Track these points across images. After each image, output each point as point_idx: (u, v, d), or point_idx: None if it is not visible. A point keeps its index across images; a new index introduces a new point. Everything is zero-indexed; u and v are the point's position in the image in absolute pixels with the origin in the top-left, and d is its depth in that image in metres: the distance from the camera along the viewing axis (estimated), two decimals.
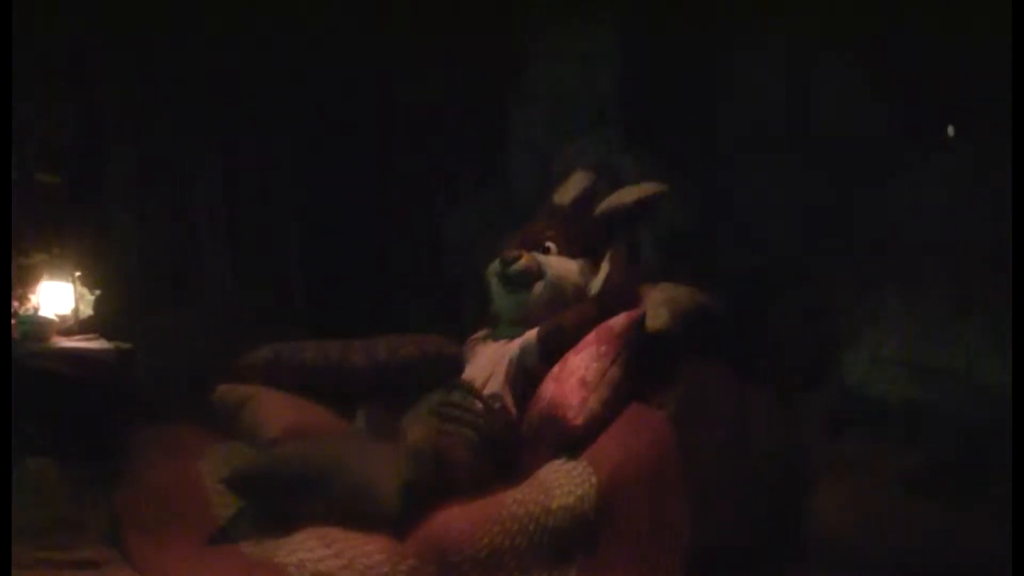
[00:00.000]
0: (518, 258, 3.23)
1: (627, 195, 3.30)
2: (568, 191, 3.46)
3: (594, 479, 2.50)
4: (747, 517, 2.61)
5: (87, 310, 4.19)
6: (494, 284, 3.34)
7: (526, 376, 3.01)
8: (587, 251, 3.29)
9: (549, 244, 3.29)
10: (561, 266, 3.24)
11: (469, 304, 4.03)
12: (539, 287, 3.21)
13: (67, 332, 4.03)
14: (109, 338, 3.99)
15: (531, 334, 3.08)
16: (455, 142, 4.61)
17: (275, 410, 3.30)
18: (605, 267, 3.16)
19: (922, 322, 2.89)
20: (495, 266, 3.31)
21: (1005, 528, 2.10)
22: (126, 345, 3.93)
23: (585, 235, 3.31)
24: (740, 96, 3.85)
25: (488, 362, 3.12)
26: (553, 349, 2.96)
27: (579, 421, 2.66)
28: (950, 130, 3.38)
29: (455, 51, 4.46)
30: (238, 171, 4.58)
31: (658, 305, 2.97)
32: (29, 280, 4.06)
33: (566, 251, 3.29)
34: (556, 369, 2.85)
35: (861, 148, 3.46)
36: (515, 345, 3.09)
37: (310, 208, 4.73)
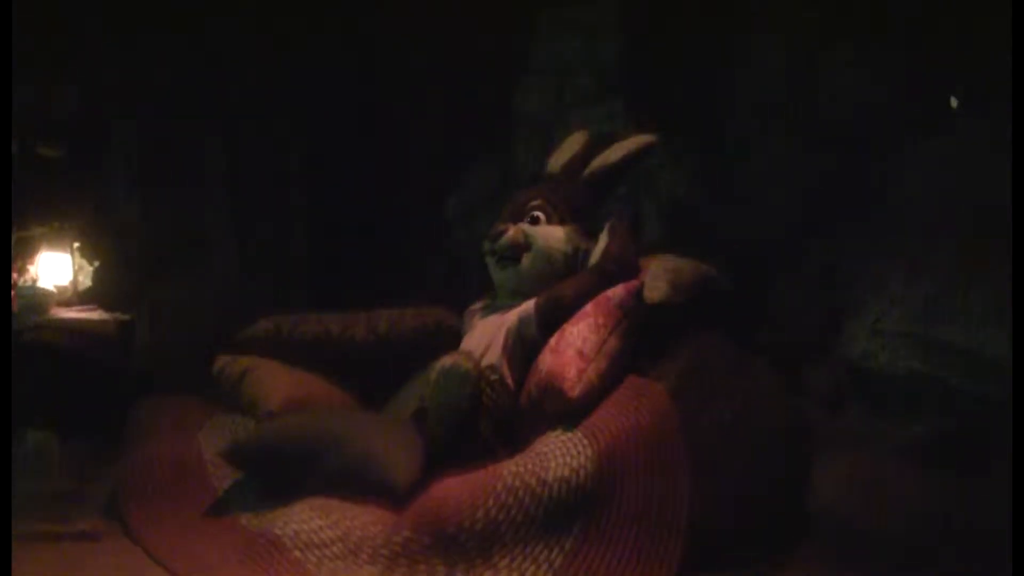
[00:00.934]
0: (504, 233, 3.20)
1: (614, 152, 3.27)
2: (561, 155, 3.44)
3: (590, 451, 2.49)
4: (747, 490, 2.59)
5: (86, 281, 4.19)
6: (487, 260, 3.31)
7: (524, 347, 2.99)
8: (575, 215, 3.25)
9: (537, 214, 3.26)
10: (548, 235, 3.20)
11: (472, 278, 4.01)
12: (527, 259, 3.18)
13: (66, 303, 4.03)
14: (108, 309, 3.99)
15: (529, 305, 3.05)
16: (458, 116, 4.58)
17: (275, 382, 3.30)
18: (604, 237, 3.12)
19: (925, 294, 2.87)
20: (486, 243, 3.29)
21: (1008, 500, 2.09)
22: (126, 316, 3.92)
23: (571, 199, 3.28)
24: (743, 68, 3.82)
25: (486, 333, 3.10)
26: (551, 320, 2.93)
27: (576, 393, 2.64)
28: (953, 101, 3.35)
29: (457, 25, 4.42)
30: (240, 143, 4.55)
31: (657, 276, 2.94)
32: (28, 252, 4.06)
33: (554, 218, 3.25)
34: (554, 340, 2.83)
35: (866, 121, 3.42)
36: (513, 316, 3.06)
37: (313, 182, 4.71)
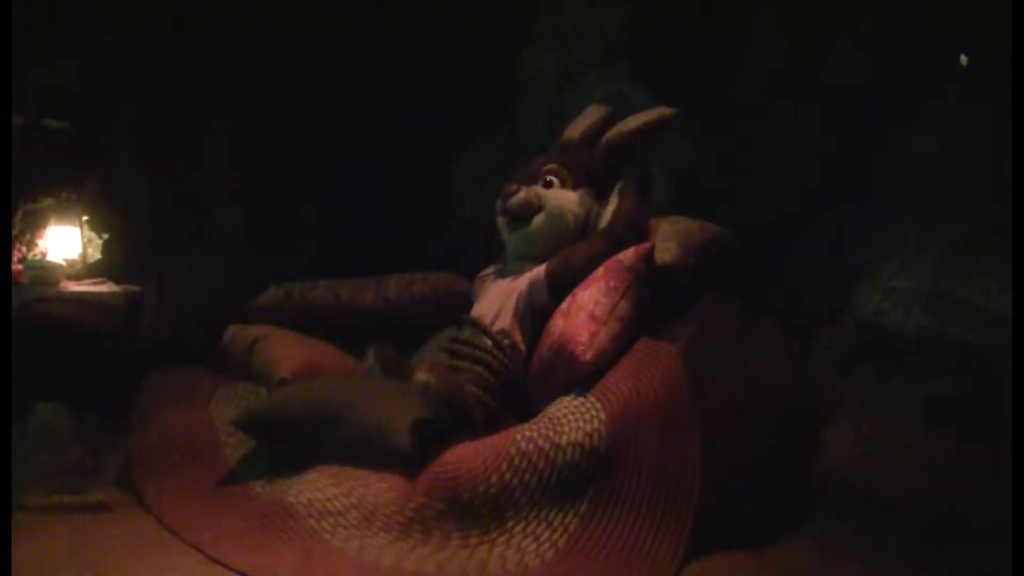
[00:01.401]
0: (516, 192, 3.19)
1: (630, 122, 3.24)
2: (580, 124, 3.42)
3: (603, 415, 2.48)
4: (759, 453, 2.59)
5: (95, 254, 4.18)
6: (499, 221, 3.30)
7: (535, 312, 2.99)
8: (589, 180, 3.24)
9: (551, 178, 3.24)
10: (560, 197, 3.19)
11: (479, 245, 4.00)
12: (539, 219, 3.17)
13: (75, 277, 4.03)
14: (118, 282, 3.99)
15: (539, 269, 3.04)
16: (463, 84, 4.55)
17: (286, 350, 3.31)
18: (614, 200, 3.11)
19: (937, 254, 2.85)
20: (499, 203, 3.27)
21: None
22: (135, 288, 3.92)
23: (586, 165, 3.26)
24: (750, 34, 3.78)
25: (497, 298, 3.09)
26: (562, 284, 2.93)
27: (588, 356, 2.64)
28: (963, 59, 3.32)
29: None
30: (245, 116, 4.53)
31: (668, 238, 2.94)
32: (36, 225, 4.05)
33: (568, 183, 3.24)
34: (565, 304, 2.83)
35: (875, 84, 3.39)
36: (523, 281, 3.05)
37: (318, 153, 4.69)
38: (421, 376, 2.82)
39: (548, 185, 3.23)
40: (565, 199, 3.19)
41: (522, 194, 3.18)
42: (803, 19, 3.60)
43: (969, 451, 2.51)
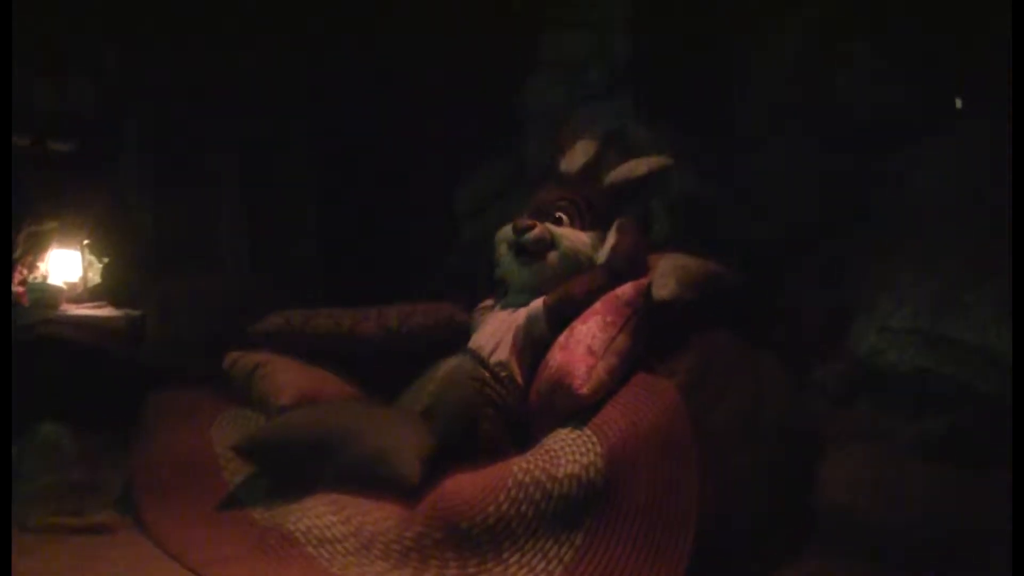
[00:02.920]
0: (531, 227, 3.21)
1: (638, 167, 3.28)
2: (576, 159, 3.44)
3: (600, 448, 2.49)
4: (757, 487, 2.60)
5: (95, 278, 4.20)
6: (503, 251, 3.32)
7: (533, 344, 3.01)
8: (597, 222, 3.28)
9: (560, 215, 3.28)
10: (575, 237, 3.22)
11: (480, 270, 4.03)
12: (553, 257, 3.19)
13: (76, 300, 4.04)
14: (118, 305, 4.01)
15: (538, 302, 3.07)
16: (467, 111, 4.59)
17: (287, 377, 3.31)
18: (613, 235, 3.14)
19: (934, 291, 2.87)
20: (507, 233, 3.29)
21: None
22: (136, 312, 3.94)
23: (595, 205, 3.30)
24: (754, 66, 3.82)
25: (496, 330, 3.11)
26: (560, 317, 2.95)
27: (585, 390, 2.65)
28: (958, 102, 3.35)
29: (466, 20, 4.42)
30: (251, 141, 4.56)
31: (666, 274, 2.95)
32: (39, 247, 4.07)
33: (578, 221, 3.27)
34: (563, 337, 2.84)
35: (875, 119, 3.42)
36: (522, 313, 3.08)
37: (323, 179, 4.72)
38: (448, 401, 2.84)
39: (558, 222, 3.27)
40: (579, 240, 3.23)
41: (537, 230, 3.20)
42: (804, 53, 3.63)
43: (965, 485, 2.52)
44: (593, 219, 3.28)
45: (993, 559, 2.25)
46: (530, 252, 3.22)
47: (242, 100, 4.49)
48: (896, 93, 3.41)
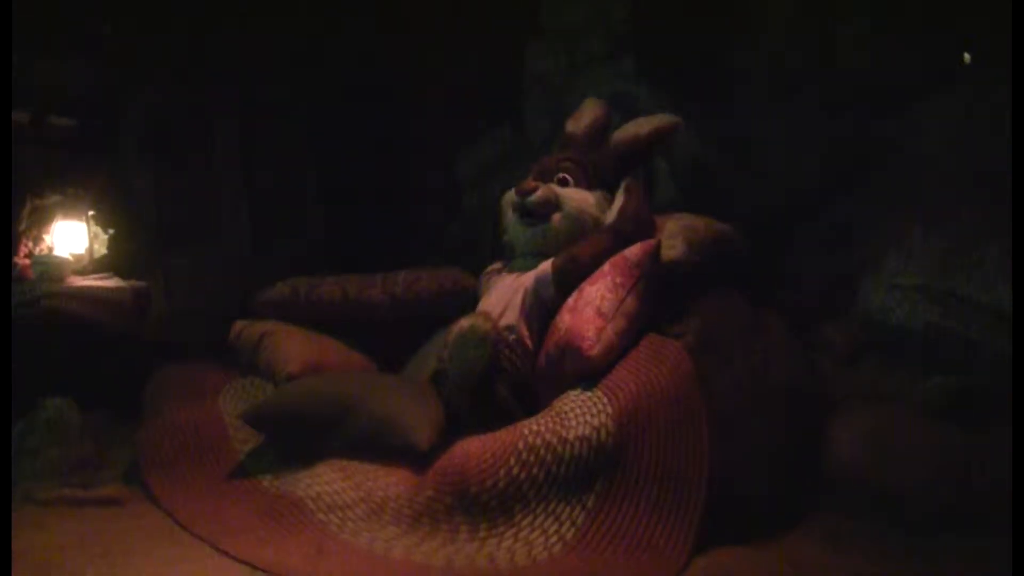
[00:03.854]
0: (535, 190, 3.19)
1: (643, 126, 3.25)
2: (581, 119, 3.42)
3: (610, 409, 2.49)
4: (766, 446, 2.59)
5: (101, 250, 4.20)
6: (509, 215, 3.31)
7: (541, 307, 3.00)
8: (603, 183, 3.25)
9: (566, 176, 3.25)
10: (580, 198, 3.20)
11: (484, 238, 4.01)
12: (557, 218, 3.18)
13: (82, 271, 4.03)
14: (124, 277, 4.00)
15: (546, 265, 3.05)
16: (468, 79, 4.56)
17: (294, 346, 3.32)
18: (620, 197, 3.12)
19: (942, 248, 2.86)
20: (511, 196, 3.28)
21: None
22: (141, 284, 3.93)
23: (600, 166, 3.27)
24: (754, 28, 3.78)
25: (503, 294, 3.10)
26: (568, 280, 2.93)
27: (595, 351, 2.64)
28: (966, 57, 3.32)
29: None
30: (254, 112, 4.54)
31: (674, 235, 2.94)
32: (43, 220, 4.06)
33: (583, 182, 3.25)
34: (571, 300, 2.83)
35: (881, 78, 3.40)
36: (530, 277, 3.07)
37: (325, 147, 4.70)
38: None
39: (563, 183, 3.25)
40: (584, 201, 3.20)
41: (541, 192, 3.19)
42: (806, 14, 3.60)
43: (973, 443, 2.52)
44: (598, 179, 3.26)
45: (1000, 515, 2.25)
46: (534, 214, 3.20)
47: (243, 74, 4.46)
48: (898, 52, 3.38)
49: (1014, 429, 2.15)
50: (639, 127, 3.24)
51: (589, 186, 3.25)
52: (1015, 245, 2.36)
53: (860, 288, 3.07)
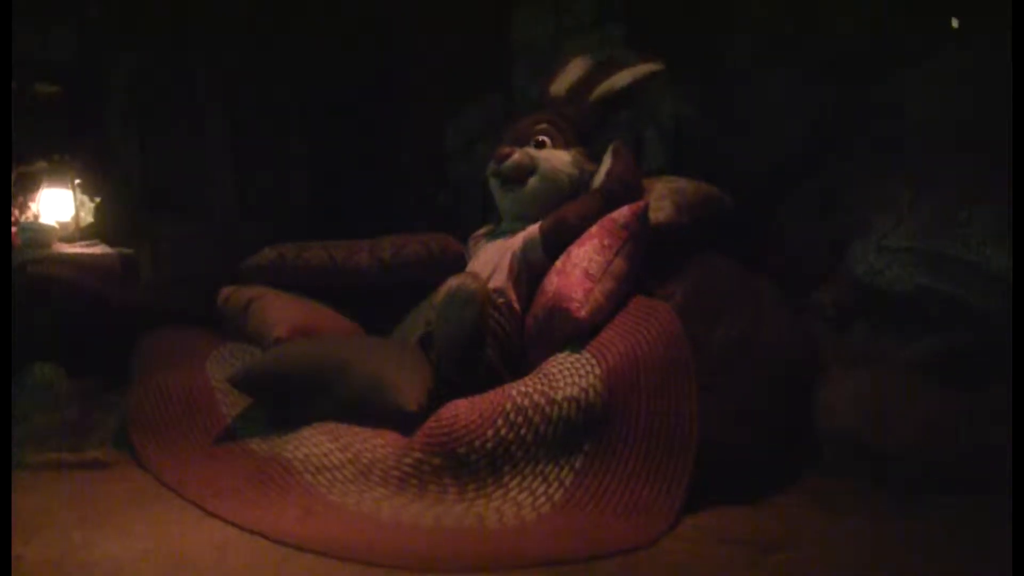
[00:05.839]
0: (509, 155, 3.19)
1: (622, 78, 3.24)
2: (565, 79, 3.40)
3: (598, 370, 2.49)
4: (755, 408, 2.60)
5: (87, 217, 4.18)
6: (492, 183, 3.30)
7: (529, 270, 3.00)
8: (581, 138, 3.25)
9: (543, 138, 3.24)
10: (553, 158, 3.19)
11: (473, 205, 4.01)
12: (533, 181, 3.17)
13: (68, 239, 4.02)
14: (111, 244, 3.98)
15: (534, 228, 3.05)
16: (455, 46, 4.54)
17: (281, 310, 3.31)
18: (608, 159, 3.11)
19: (932, 209, 2.86)
20: (491, 166, 3.27)
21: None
22: (128, 251, 3.92)
23: (577, 122, 3.27)
24: None
25: (491, 258, 3.10)
26: (556, 242, 2.93)
27: (583, 313, 2.64)
28: (954, 22, 3.32)
29: None
30: (242, 81, 4.52)
31: (662, 197, 2.94)
32: (29, 188, 4.05)
33: (560, 142, 3.24)
34: (559, 263, 2.83)
35: (868, 41, 3.39)
36: (518, 240, 3.06)
37: (312, 116, 4.68)
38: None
39: (540, 145, 3.23)
40: (559, 160, 3.19)
41: (515, 156, 3.18)
42: None
43: (964, 404, 2.53)
44: (575, 136, 3.26)
45: (991, 475, 2.26)
46: (511, 179, 3.20)
47: (230, 43, 4.43)
48: (885, 15, 3.36)
49: (1013, 391, 2.14)
50: (617, 79, 3.24)
51: (567, 144, 3.23)
52: (1015, 210, 2.35)
53: (849, 251, 3.07)
